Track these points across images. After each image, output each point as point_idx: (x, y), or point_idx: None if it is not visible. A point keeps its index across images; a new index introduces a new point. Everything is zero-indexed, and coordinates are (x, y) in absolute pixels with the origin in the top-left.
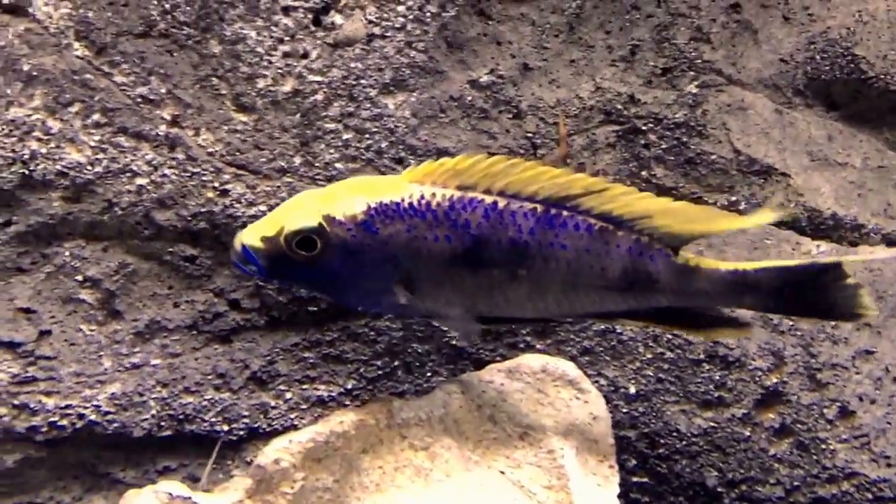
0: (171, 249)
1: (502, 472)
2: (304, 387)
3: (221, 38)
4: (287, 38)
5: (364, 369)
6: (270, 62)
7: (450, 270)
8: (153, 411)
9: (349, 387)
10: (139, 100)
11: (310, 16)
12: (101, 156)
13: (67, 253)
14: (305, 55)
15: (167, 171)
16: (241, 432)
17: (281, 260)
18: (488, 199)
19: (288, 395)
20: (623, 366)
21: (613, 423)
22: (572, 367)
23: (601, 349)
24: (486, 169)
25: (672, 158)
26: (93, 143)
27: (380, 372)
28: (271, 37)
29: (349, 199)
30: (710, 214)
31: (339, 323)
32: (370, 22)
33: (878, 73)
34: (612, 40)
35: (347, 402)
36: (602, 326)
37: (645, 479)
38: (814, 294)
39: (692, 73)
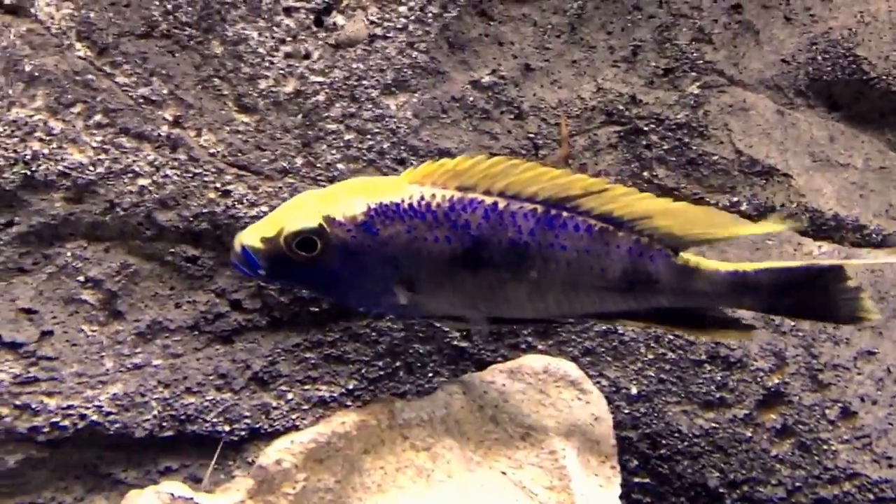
0: (172, 250)
1: (504, 473)
2: (306, 387)
3: (223, 39)
4: (289, 39)
5: (366, 370)
6: (272, 63)
7: (450, 271)
8: (155, 412)
9: (351, 387)
10: (141, 100)
11: (311, 16)
12: (102, 156)
13: (69, 253)
14: (307, 56)
15: (169, 172)
16: (243, 433)
17: (281, 261)
18: (488, 200)
19: (289, 396)
20: (625, 366)
21: (615, 424)
22: (574, 368)
23: (603, 350)
24: (485, 170)
25: (674, 159)
26: (95, 144)
27: (381, 372)
28: (273, 37)
29: (349, 199)
30: (712, 215)
31: (340, 323)
32: (372, 22)
33: (879, 73)
34: (614, 41)
35: (349, 403)
36: (604, 327)
37: (646, 480)
38: (815, 296)
39: (694, 73)
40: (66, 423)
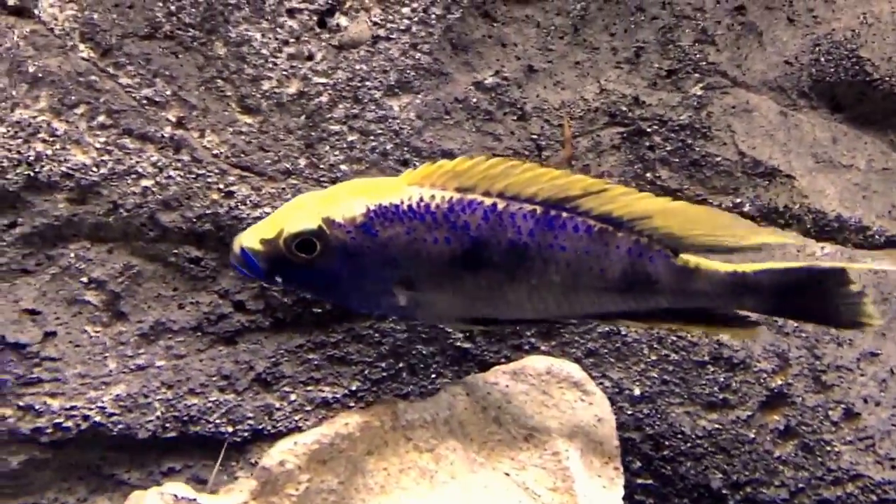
0: (175, 251)
1: (507, 474)
2: (309, 388)
3: (226, 40)
4: (292, 40)
5: (369, 371)
6: (275, 64)
7: (449, 272)
8: (158, 413)
9: (354, 388)
10: (144, 101)
11: (315, 18)
12: (106, 157)
13: (72, 254)
14: (310, 57)
15: (172, 173)
16: (246, 434)
17: (280, 262)
18: (488, 201)
19: (293, 397)
20: (628, 367)
21: (618, 425)
22: (577, 369)
23: (606, 351)
24: (485, 171)
25: (677, 160)
26: (98, 145)
27: (384, 374)
28: (276, 39)
29: (349, 201)
30: (712, 215)
31: (343, 324)
32: (375, 24)
33: (882, 75)
34: (617, 42)
35: (352, 404)
36: (607, 328)
37: (650, 481)
38: (816, 299)
39: (697, 75)
40: (70, 424)
